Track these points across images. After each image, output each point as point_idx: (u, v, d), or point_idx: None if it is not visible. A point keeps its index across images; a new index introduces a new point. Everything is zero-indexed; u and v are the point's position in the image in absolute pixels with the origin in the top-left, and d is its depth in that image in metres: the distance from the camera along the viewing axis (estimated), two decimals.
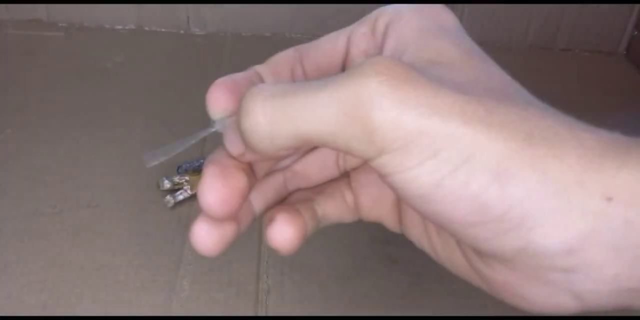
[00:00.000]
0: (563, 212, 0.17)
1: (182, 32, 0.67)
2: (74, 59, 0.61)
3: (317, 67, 0.24)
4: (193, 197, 0.43)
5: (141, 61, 0.61)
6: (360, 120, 0.18)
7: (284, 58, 0.24)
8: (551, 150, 0.17)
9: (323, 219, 0.25)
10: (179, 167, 0.45)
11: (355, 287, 0.38)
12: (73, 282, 0.37)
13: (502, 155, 0.17)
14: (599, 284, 0.18)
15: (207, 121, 0.22)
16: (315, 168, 0.25)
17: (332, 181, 0.26)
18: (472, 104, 0.17)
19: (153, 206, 0.43)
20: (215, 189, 0.21)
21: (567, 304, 0.18)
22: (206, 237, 0.22)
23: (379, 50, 0.22)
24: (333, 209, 0.25)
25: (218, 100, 0.22)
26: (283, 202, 0.25)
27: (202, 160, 0.44)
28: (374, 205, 0.25)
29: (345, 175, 0.26)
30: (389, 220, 0.25)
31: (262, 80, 0.24)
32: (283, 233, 0.22)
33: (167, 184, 0.43)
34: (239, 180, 0.21)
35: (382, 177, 0.19)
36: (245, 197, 0.21)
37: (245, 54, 0.64)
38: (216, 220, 0.21)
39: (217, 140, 0.22)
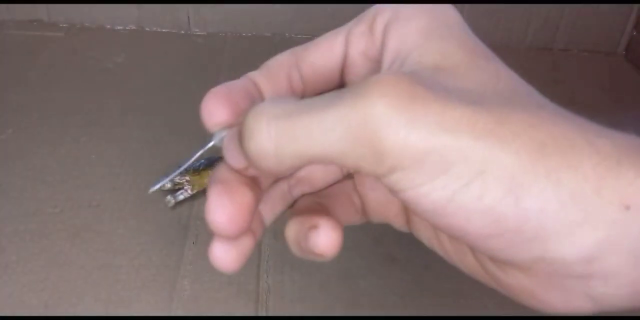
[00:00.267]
0: (580, 222, 0.17)
1: (182, 32, 0.67)
2: (74, 59, 0.61)
3: (315, 71, 0.24)
4: (193, 197, 0.43)
5: (141, 61, 0.62)
6: (368, 142, 0.17)
7: (279, 63, 0.24)
8: (565, 160, 0.17)
9: None
10: (179, 167, 0.45)
11: (355, 287, 0.38)
12: (74, 281, 0.37)
13: (515, 169, 0.17)
14: (616, 289, 0.17)
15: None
16: (319, 173, 0.25)
17: (337, 184, 0.26)
18: (481, 115, 0.17)
19: (153, 206, 0.43)
20: (222, 208, 0.20)
21: (582, 306, 0.18)
22: (224, 256, 0.21)
23: (379, 52, 0.22)
24: (341, 212, 0.25)
25: (212, 113, 0.21)
26: (293, 208, 0.25)
27: (202, 161, 0.45)
28: (381, 208, 0.25)
29: (349, 177, 0.26)
30: (398, 223, 0.25)
31: (258, 89, 0.23)
32: (331, 238, 0.22)
33: (167, 184, 0.43)
34: (245, 196, 0.21)
35: (394, 193, 0.19)
36: (253, 212, 0.21)
37: (245, 54, 0.64)
38: (229, 239, 0.21)
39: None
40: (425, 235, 0.24)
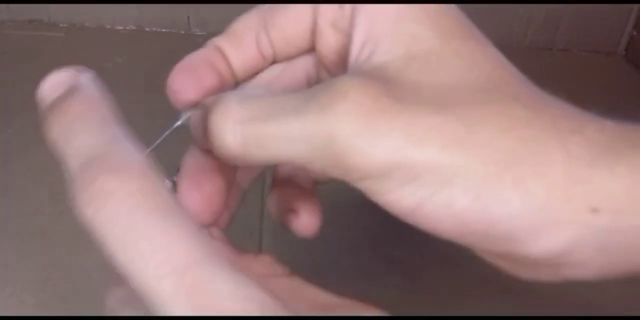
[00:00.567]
0: (548, 226, 0.17)
1: (182, 32, 0.67)
2: (75, 59, 0.61)
3: (285, 37, 0.23)
4: None
5: (141, 61, 0.61)
6: (334, 158, 0.17)
7: (246, 26, 0.23)
8: (534, 167, 0.17)
9: None
10: (179, 168, 0.45)
11: (355, 287, 0.38)
12: (74, 281, 0.37)
13: (482, 179, 0.17)
14: (585, 273, 0.18)
15: None
16: None
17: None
18: (451, 124, 0.17)
19: None
20: (193, 203, 0.22)
21: (553, 279, 0.19)
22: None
23: (348, 24, 0.21)
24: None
25: (178, 92, 0.22)
26: (274, 176, 0.26)
27: None
28: None
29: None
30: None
31: (225, 60, 0.23)
32: (310, 223, 0.24)
33: (167, 184, 0.43)
34: (214, 184, 0.22)
35: (367, 194, 0.19)
36: (226, 194, 0.22)
37: None
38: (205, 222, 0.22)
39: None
40: None
